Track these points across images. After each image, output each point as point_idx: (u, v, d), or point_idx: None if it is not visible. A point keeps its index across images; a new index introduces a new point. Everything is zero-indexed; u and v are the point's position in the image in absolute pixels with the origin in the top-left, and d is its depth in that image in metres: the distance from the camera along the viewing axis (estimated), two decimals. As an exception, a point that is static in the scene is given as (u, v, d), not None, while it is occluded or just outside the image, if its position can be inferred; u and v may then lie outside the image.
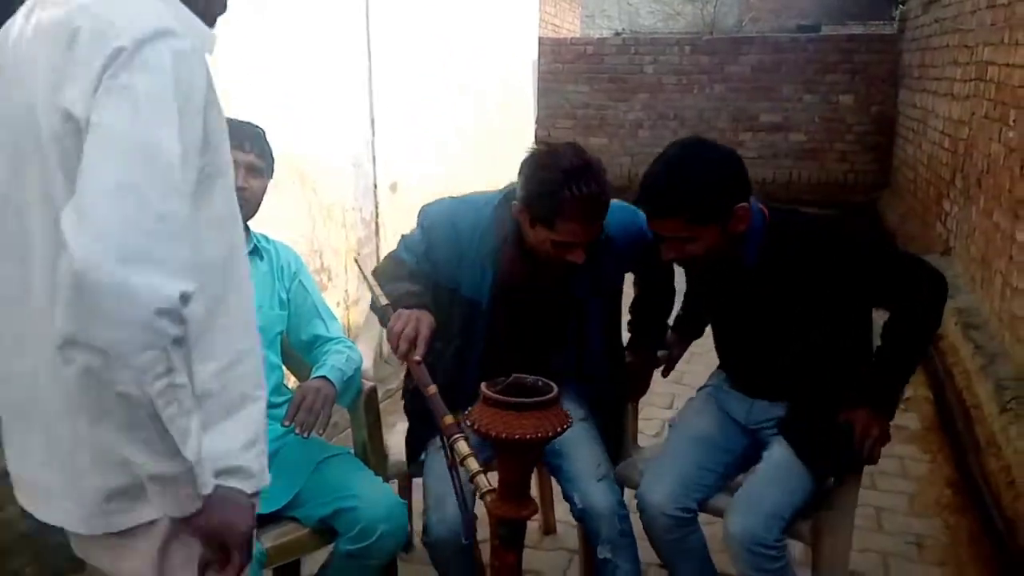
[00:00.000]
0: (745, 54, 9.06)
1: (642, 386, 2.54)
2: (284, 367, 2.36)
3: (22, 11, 1.22)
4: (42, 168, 1.15)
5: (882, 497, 3.28)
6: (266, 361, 2.15)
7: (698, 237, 1.98)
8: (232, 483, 1.21)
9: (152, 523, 1.22)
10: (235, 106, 3.18)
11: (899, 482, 3.42)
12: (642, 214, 2.08)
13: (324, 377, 2.14)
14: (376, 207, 4.45)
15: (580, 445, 2.19)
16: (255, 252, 2.19)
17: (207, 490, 1.16)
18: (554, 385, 1.63)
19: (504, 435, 1.53)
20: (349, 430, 2.47)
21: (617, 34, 12.50)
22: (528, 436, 1.52)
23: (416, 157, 4.81)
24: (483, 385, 1.63)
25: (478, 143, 5.81)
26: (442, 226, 2.19)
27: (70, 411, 1.18)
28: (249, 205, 2.08)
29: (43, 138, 1.13)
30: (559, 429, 1.57)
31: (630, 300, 2.52)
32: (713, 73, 9.13)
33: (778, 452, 2.09)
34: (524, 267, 2.14)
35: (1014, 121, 4.03)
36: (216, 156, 1.19)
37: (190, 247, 1.09)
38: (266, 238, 2.25)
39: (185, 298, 1.06)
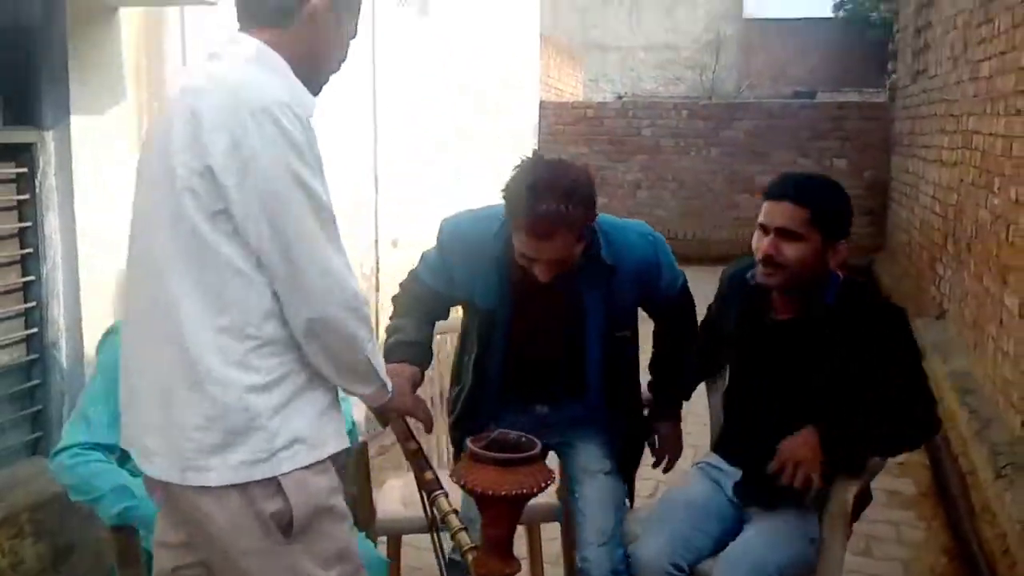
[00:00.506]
0: (740, 119, 9.27)
1: (671, 451, 2.51)
2: None
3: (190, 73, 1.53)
4: (176, 204, 1.42)
5: (878, 565, 3.25)
6: None
7: (805, 241, 2.04)
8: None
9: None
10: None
11: (895, 549, 3.39)
12: (660, 246, 2.22)
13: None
14: (377, 263, 4.53)
15: (591, 504, 2.22)
16: None
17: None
18: (538, 441, 1.67)
19: (489, 491, 1.56)
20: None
21: (619, 98, 12.75)
22: (512, 492, 1.56)
23: (418, 214, 4.90)
24: (468, 440, 1.67)
25: (480, 200, 5.91)
26: (456, 239, 2.21)
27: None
28: None
29: (177, 183, 1.41)
30: (542, 485, 1.60)
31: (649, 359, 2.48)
32: (709, 137, 9.33)
33: (781, 520, 2.12)
34: (532, 277, 2.09)
35: (998, 188, 4.14)
36: None
37: None
38: None
39: None
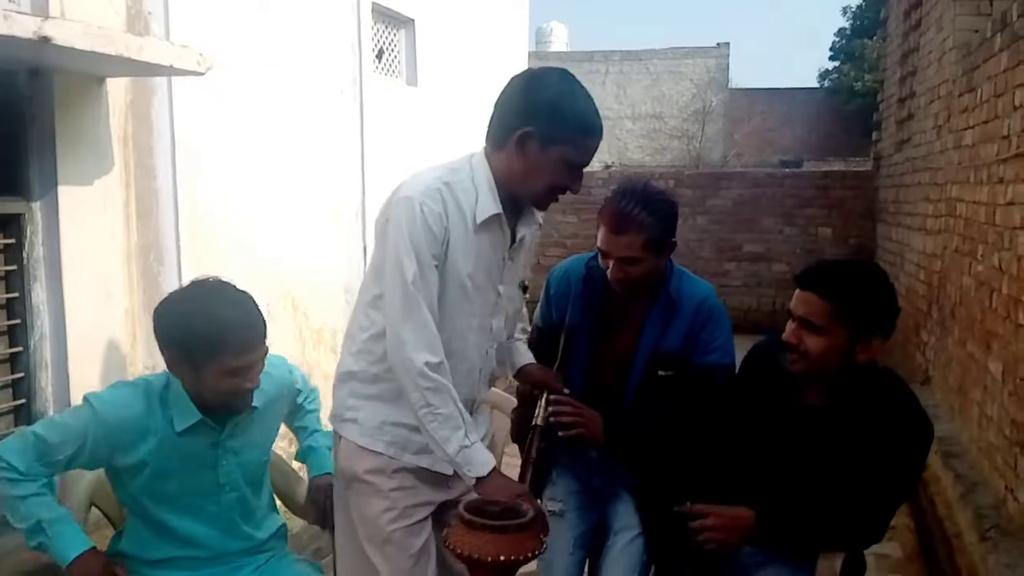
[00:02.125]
0: (726, 188, 9.40)
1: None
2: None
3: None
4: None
5: None
6: (251, 507, 2.21)
7: (828, 334, 1.98)
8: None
9: None
10: (234, 237, 3.31)
11: (885, 614, 3.39)
12: (722, 311, 2.37)
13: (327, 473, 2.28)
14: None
15: (617, 565, 2.32)
16: (252, 411, 2.13)
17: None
18: (530, 508, 1.66)
19: (479, 556, 1.56)
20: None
21: (606, 167, 12.93)
22: (504, 558, 1.55)
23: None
24: (460, 506, 1.66)
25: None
26: (558, 277, 2.52)
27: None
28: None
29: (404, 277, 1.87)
30: (534, 553, 1.60)
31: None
32: (696, 205, 9.44)
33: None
34: (615, 300, 2.37)
35: (982, 255, 4.19)
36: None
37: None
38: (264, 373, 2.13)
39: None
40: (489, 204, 1.96)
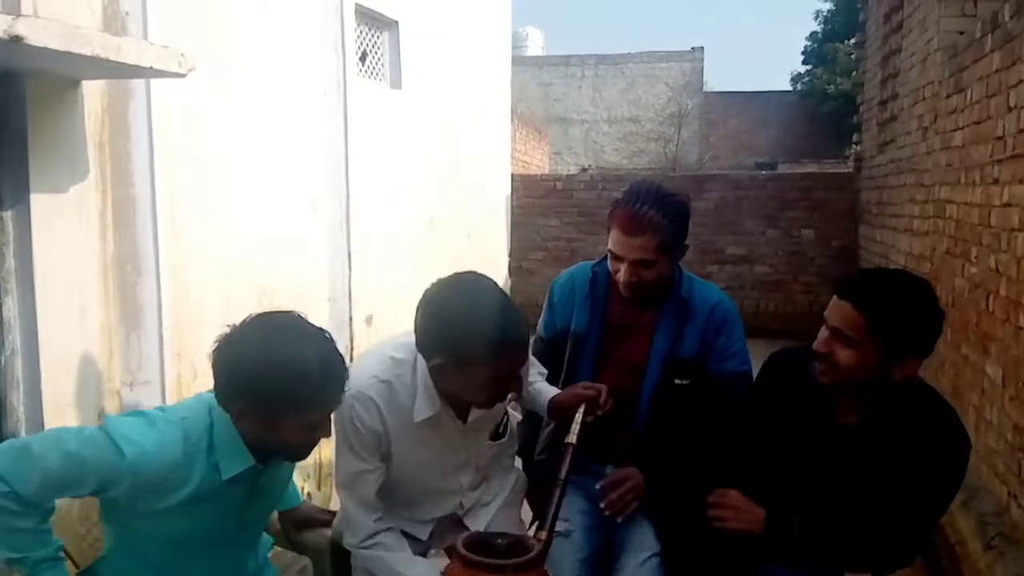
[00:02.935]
0: (708, 190, 9.35)
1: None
2: None
3: None
4: None
5: None
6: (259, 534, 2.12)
7: (860, 349, 1.86)
8: None
9: None
10: (215, 246, 3.19)
11: (889, 624, 3.32)
12: (736, 315, 2.31)
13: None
14: (351, 339, 4.42)
15: None
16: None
17: None
18: (535, 544, 1.56)
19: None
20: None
21: (584, 170, 12.88)
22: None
23: (392, 290, 4.82)
24: (459, 542, 1.56)
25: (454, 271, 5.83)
26: (562, 284, 2.47)
27: None
28: None
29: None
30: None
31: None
32: (679, 208, 9.38)
33: None
34: (621, 306, 2.32)
35: (976, 258, 4.14)
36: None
37: None
38: None
39: None
40: (425, 407, 1.97)
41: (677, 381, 2.28)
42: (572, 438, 2.03)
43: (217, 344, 1.72)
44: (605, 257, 2.39)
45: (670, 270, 2.28)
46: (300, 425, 1.71)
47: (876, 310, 1.85)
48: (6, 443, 1.76)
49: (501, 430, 2.21)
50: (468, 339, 1.82)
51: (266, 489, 1.92)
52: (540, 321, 2.53)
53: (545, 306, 2.51)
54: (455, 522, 2.24)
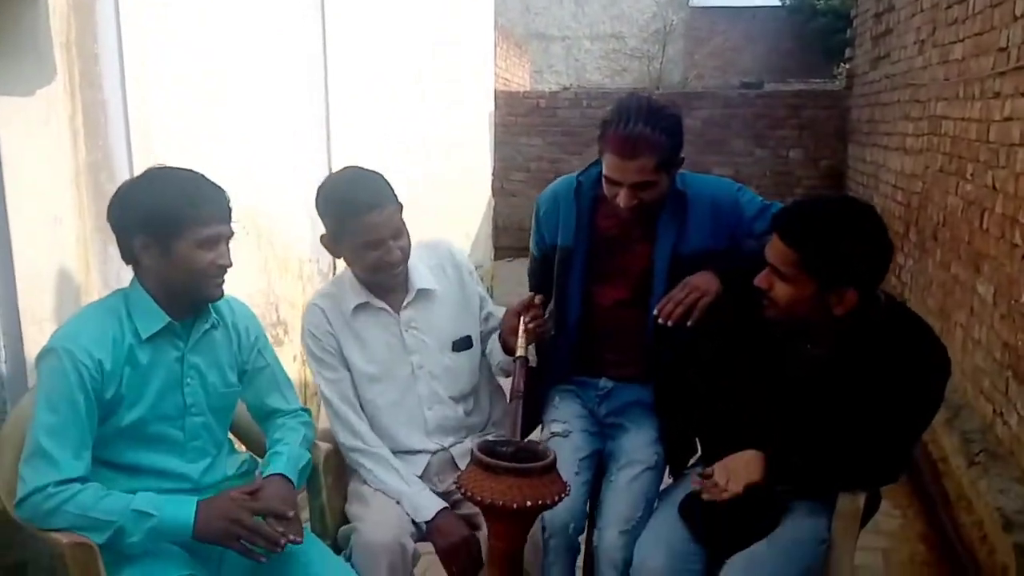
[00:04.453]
0: (696, 108, 9.20)
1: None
2: (234, 436, 2.24)
3: None
4: None
5: (857, 555, 3.10)
6: (218, 438, 2.06)
7: (795, 283, 1.85)
8: None
9: None
10: (190, 156, 3.06)
11: (873, 538, 3.34)
12: (742, 188, 2.26)
13: (283, 476, 2.03)
14: (334, 259, 4.31)
15: (620, 491, 2.19)
16: (213, 326, 2.02)
17: None
18: (553, 452, 1.51)
19: (501, 503, 1.40)
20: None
21: (565, 88, 12.63)
22: (527, 504, 1.40)
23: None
24: (475, 447, 1.51)
25: (435, 193, 5.73)
26: (547, 198, 2.39)
27: None
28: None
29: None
30: (558, 497, 1.45)
31: None
32: (665, 127, 9.23)
33: (789, 523, 2.00)
34: (613, 217, 2.23)
35: (971, 175, 4.08)
36: None
37: None
38: (226, 301, 2.07)
39: None
40: (352, 296, 2.26)
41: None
42: (520, 351, 2.03)
43: (109, 203, 1.92)
44: (590, 166, 2.30)
45: (669, 185, 2.18)
46: (193, 243, 1.84)
47: (806, 246, 1.82)
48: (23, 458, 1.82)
49: (463, 341, 2.31)
50: (327, 209, 2.18)
51: (202, 370, 1.98)
52: (531, 240, 2.47)
53: (533, 224, 2.44)
54: (448, 460, 2.30)
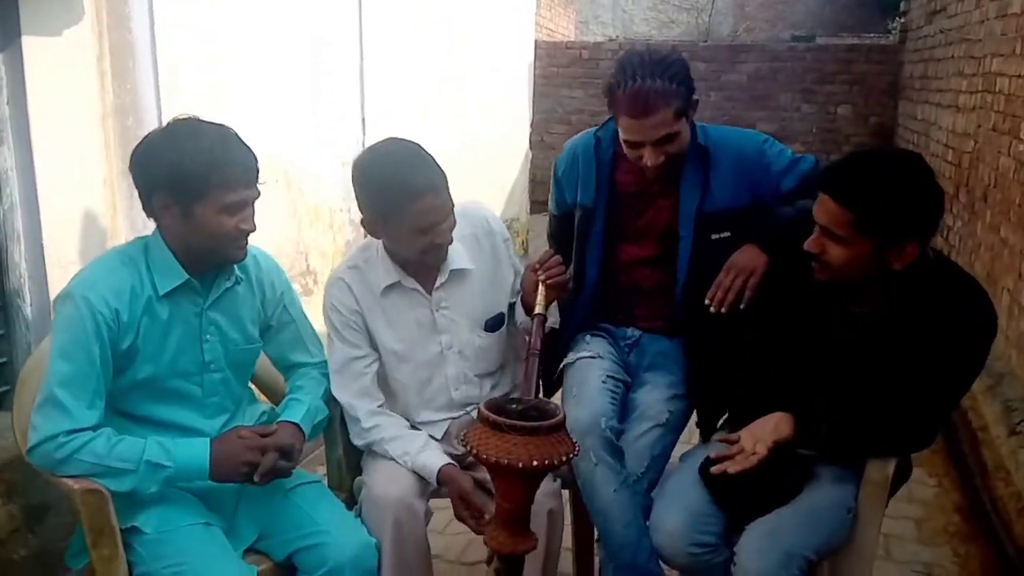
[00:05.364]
0: (743, 62, 8.96)
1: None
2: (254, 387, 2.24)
3: None
4: None
5: (889, 523, 3.09)
6: (236, 393, 2.05)
7: (851, 244, 1.78)
8: None
9: None
10: (220, 102, 3.03)
11: (906, 507, 3.29)
12: (767, 138, 2.17)
13: (296, 425, 2.02)
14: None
15: (631, 445, 2.15)
16: (236, 283, 1.99)
17: None
18: (561, 410, 1.47)
19: (507, 461, 1.37)
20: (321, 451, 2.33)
21: (611, 40, 12.39)
22: (535, 463, 1.36)
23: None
24: (482, 405, 1.48)
25: (472, 144, 5.66)
26: (564, 157, 2.33)
27: None
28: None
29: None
30: (566, 457, 1.41)
31: None
32: (710, 80, 9.00)
33: (815, 490, 1.95)
34: (633, 173, 2.18)
35: (1025, 134, 3.92)
36: None
37: None
38: (252, 256, 2.03)
39: None
40: (384, 275, 2.13)
41: (715, 236, 2.15)
42: (539, 308, 2.00)
43: (131, 154, 1.84)
44: (607, 121, 2.22)
45: (690, 132, 2.12)
46: (216, 208, 1.78)
47: (861, 204, 1.74)
48: (36, 405, 1.81)
49: (495, 321, 2.23)
50: (374, 193, 1.99)
51: (222, 327, 1.94)
52: (550, 200, 2.41)
53: (552, 183, 2.38)
54: (468, 423, 2.21)
